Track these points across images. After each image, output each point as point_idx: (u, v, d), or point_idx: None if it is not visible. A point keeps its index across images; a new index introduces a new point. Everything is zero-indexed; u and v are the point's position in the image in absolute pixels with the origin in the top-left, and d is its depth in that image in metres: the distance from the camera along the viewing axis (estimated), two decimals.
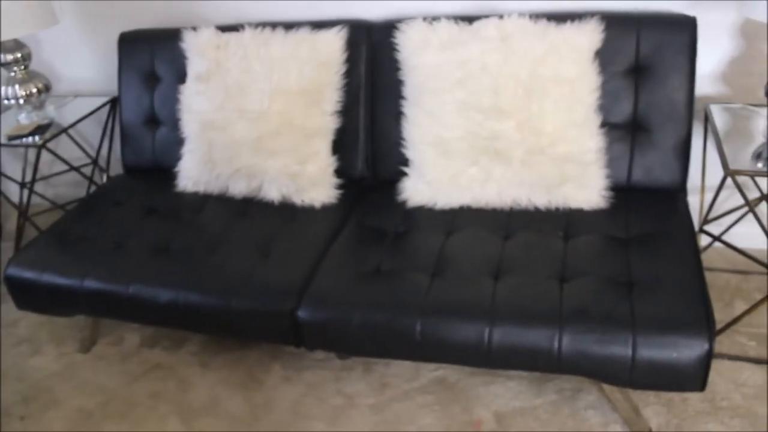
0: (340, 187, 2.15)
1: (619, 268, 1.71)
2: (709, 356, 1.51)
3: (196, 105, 2.18)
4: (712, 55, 2.10)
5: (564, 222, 1.88)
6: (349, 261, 1.88)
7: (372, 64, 2.17)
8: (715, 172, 2.06)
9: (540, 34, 1.91)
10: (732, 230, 2.17)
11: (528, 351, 1.61)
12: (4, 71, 2.41)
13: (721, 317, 1.98)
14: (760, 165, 1.85)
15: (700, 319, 1.54)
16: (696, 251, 1.75)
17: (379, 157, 2.18)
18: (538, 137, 1.88)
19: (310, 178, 2.10)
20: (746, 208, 2.09)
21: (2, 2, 2.13)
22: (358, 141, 2.20)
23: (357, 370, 2.03)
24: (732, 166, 1.81)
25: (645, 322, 1.55)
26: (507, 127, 1.89)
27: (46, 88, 2.46)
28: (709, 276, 1.68)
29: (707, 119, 2.05)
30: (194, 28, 2.23)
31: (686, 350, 1.52)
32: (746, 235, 2.16)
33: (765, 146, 1.87)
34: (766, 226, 1.91)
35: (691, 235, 1.80)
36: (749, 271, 2.20)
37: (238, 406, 1.98)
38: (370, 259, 1.85)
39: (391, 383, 1.98)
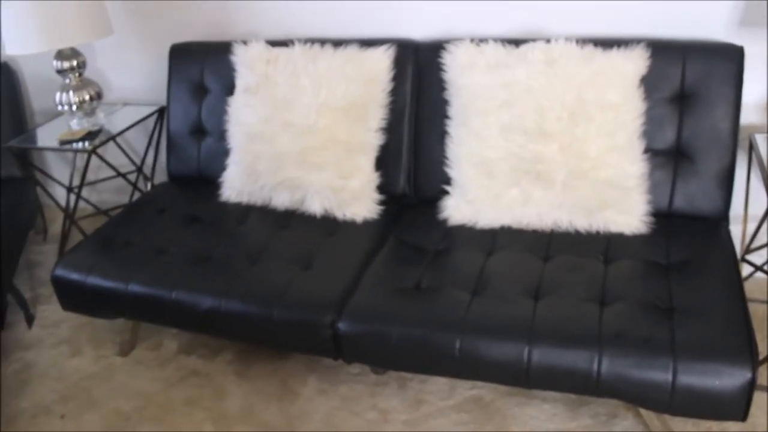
0: (381, 203, 2.18)
1: (660, 293, 1.71)
2: (751, 386, 1.50)
3: (243, 117, 2.23)
4: (758, 85, 2.10)
5: (604, 246, 1.89)
6: (389, 276, 1.90)
7: (418, 83, 2.20)
8: (758, 202, 2.06)
9: (586, 59, 1.94)
10: None
11: (567, 372, 1.61)
12: (60, 78, 2.48)
13: (760, 349, 1.97)
14: None
15: (743, 347, 1.53)
16: (739, 280, 1.74)
17: (421, 175, 2.21)
18: (580, 161, 1.89)
19: (353, 193, 2.13)
20: None
21: (63, 12, 2.21)
22: (401, 158, 2.23)
23: (392, 386, 2.05)
24: None
25: (685, 347, 1.55)
26: (550, 149, 1.91)
27: (98, 96, 2.53)
28: (754, 306, 1.67)
29: (752, 148, 2.05)
30: (245, 42, 2.28)
31: (728, 378, 1.51)
32: None
33: None
34: None
35: (734, 264, 1.80)
36: None
37: (272, 416, 2.01)
38: (411, 276, 1.87)
39: (427, 400, 1.99)
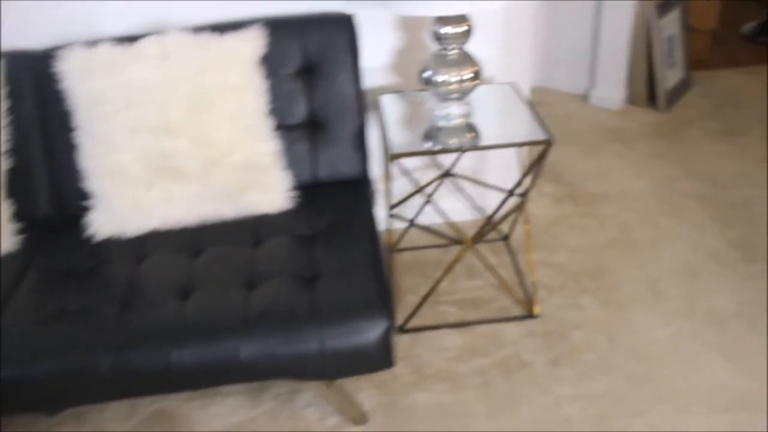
0: (23, 231, 1.98)
1: (304, 264, 1.74)
2: (388, 334, 1.58)
3: None
4: (380, 48, 2.22)
5: (253, 229, 1.89)
6: (31, 308, 1.72)
7: (41, 96, 2.02)
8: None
9: (202, 46, 1.89)
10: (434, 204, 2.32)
11: (220, 365, 1.58)
12: None
13: (425, 291, 2.12)
14: (429, 144, 1.97)
15: (377, 299, 1.61)
16: (374, 236, 1.83)
17: (62, 193, 2.04)
18: (211, 150, 1.86)
19: None
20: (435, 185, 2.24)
21: None
22: (36, 179, 2.04)
23: (68, 424, 1.89)
24: (402, 149, 1.92)
25: (326, 313, 1.59)
26: (179, 144, 1.85)
27: None
28: (414, 254, 1.75)
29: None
30: None
31: (368, 332, 1.58)
32: (447, 209, 2.32)
33: (432, 127, 2.01)
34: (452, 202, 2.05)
35: (370, 222, 1.88)
36: (448, 243, 2.37)
37: None
38: (55, 302, 1.72)
39: (108, 427, 1.87)
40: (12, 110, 1.99)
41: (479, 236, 2.03)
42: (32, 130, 2.03)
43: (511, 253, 2.37)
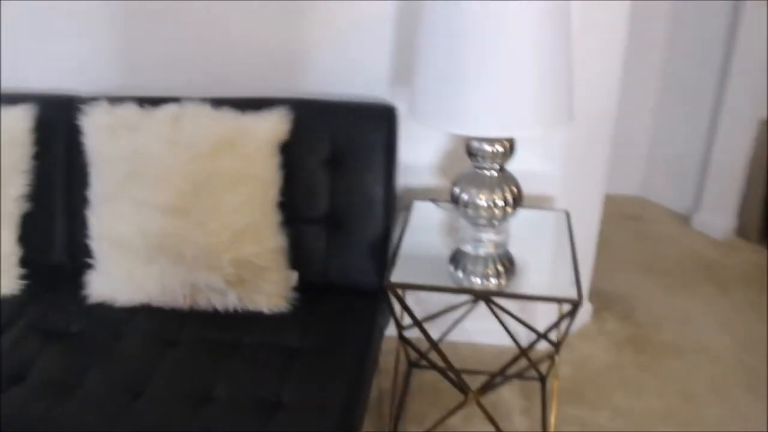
0: (28, 276, 1.92)
1: (273, 384, 1.54)
2: None
3: None
4: (427, 144, 2.01)
5: (239, 328, 1.71)
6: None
7: (69, 145, 1.96)
8: None
9: (219, 123, 1.77)
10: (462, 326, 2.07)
11: None
12: None
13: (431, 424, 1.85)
14: (451, 269, 1.73)
15: None
16: (363, 365, 1.60)
17: (76, 244, 1.95)
18: (210, 237, 1.71)
19: None
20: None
21: None
22: (54, 228, 1.99)
23: None
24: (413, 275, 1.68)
25: None
26: (182, 224, 1.72)
27: None
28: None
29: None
30: None
31: None
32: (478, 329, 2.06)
33: (459, 251, 1.75)
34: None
35: (366, 346, 1.66)
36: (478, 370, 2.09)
37: None
38: (18, 365, 1.61)
39: None
40: (38, 156, 1.96)
41: (488, 387, 1.74)
42: (56, 178, 1.98)
43: (545, 398, 2.05)
